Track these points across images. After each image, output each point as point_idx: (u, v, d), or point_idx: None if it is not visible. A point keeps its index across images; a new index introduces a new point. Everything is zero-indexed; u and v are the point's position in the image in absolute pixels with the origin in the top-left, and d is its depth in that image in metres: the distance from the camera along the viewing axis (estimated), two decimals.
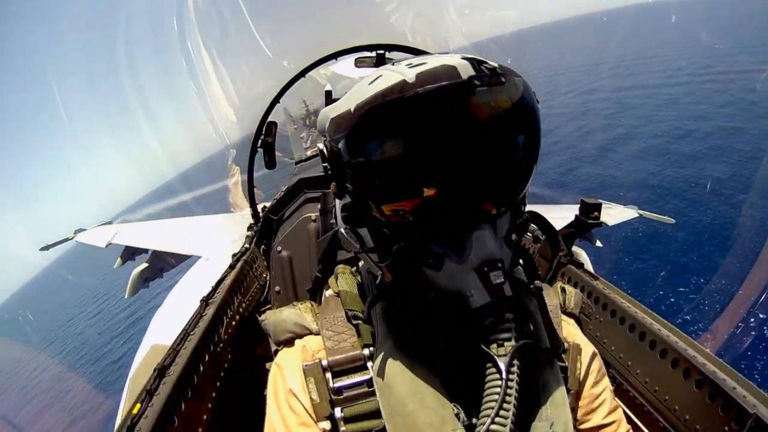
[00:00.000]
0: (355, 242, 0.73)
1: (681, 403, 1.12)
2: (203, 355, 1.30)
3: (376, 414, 0.72)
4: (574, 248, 2.38)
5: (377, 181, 0.64)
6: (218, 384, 1.35)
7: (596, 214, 1.95)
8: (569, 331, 0.90)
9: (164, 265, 5.84)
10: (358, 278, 0.89)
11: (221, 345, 1.46)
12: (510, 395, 0.61)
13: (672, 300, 8.79)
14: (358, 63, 2.20)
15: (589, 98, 27.30)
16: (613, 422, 0.87)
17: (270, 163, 2.33)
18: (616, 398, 0.92)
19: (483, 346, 0.63)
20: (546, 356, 0.78)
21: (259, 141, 2.32)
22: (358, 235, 0.73)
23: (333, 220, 1.90)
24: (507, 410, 0.60)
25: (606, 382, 0.90)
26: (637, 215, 5.48)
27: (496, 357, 0.62)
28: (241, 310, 1.75)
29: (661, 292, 9.04)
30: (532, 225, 0.82)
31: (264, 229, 2.40)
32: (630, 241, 10.27)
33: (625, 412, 1.00)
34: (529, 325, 0.78)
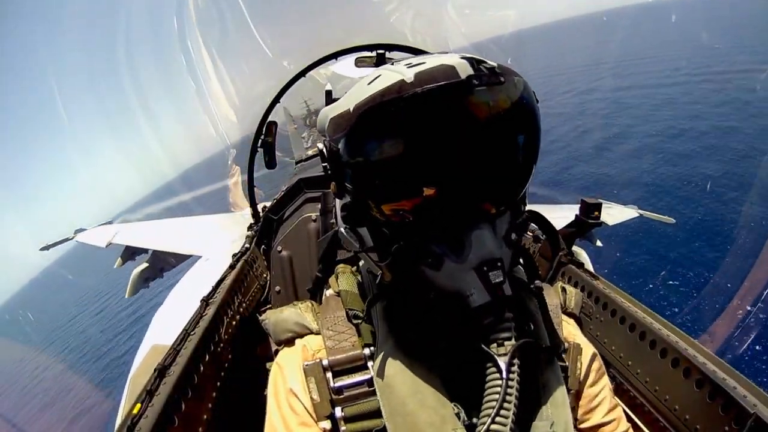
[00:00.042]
0: (354, 242, 0.73)
1: (681, 402, 1.12)
2: (203, 355, 1.30)
3: (376, 413, 0.72)
4: (574, 248, 2.38)
5: (377, 181, 0.64)
6: (218, 384, 1.35)
7: (596, 213, 1.95)
8: (569, 330, 0.90)
9: (164, 265, 5.85)
10: (359, 278, 0.89)
11: (222, 345, 1.46)
12: (510, 395, 0.61)
13: (672, 300, 8.80)
14: (358, 63, 2.20)
15: (588, 98, 27.39)
16: (613, 420, 0.87)
17: (270, 163, 2.33)
18: (615, 397, 0.92)
19: (483, 346, 0.63)
20: (546, 356, 0.78)
21: (260, 141, 2.32)
22: (358, 235, 0.73)
23: (333, 220, 1.90)
24: (507, 410, 0.60)
25: (605, 381, 0.90)
26: (637, 215, 5.49)
27: (496, 356, 0.62)
28: (241, 310, 1.75)
29: (661, 292, 9.05)
30: (532, 225, 0.82)
31: (264, 228, 2.40)
32: (630, 241, 10.28)
33: (625, 412, 1.00)
34: (529, 324, 0.78)
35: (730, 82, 21.29)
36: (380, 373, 0.73)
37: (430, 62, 0.62)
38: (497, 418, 0.60)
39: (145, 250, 5.96)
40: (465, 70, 0.59)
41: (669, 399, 1.16)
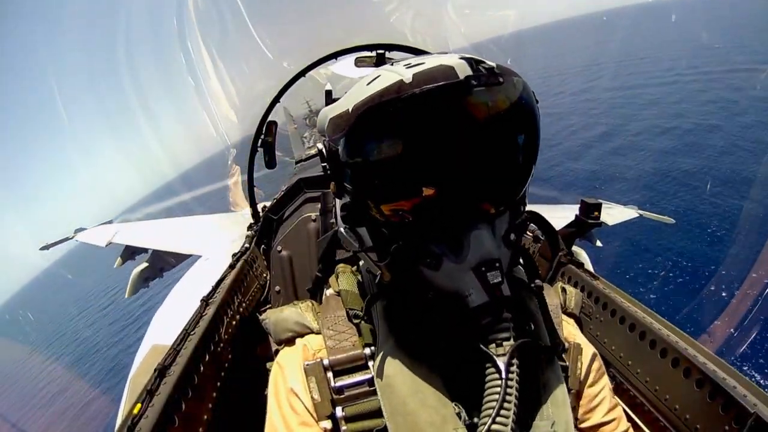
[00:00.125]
0: (354, 241, 0.74)
1: (681, 402, 1.12)
2: (204, 355, 1.30)
3: (377, 413, 0.72)
4: (574, 248, 2.38)
5: (376, 181, 0.64)
6: (219, 384, 1.35)
7: (596, 214, 1.95)
8: (570, 331, 0.90)
9: (164, 265, 5.84)
10: (359, 277, 0.90)
11: (222, 345, 1.46)
12: (510, 395, 0.61)
13: (672, 300, 8.80)
14: (358, 63, 2.20)
15: (587, 98, 27.44)
16: (613, 420, 0.87)
17: (270, 163, 2.33)
18: (615, 397, 0.92)
19: (482, 346, 0.63)
20: (546, 355, 0.78)
21: (260, 140, 2.32)
22: (358, 235, 0.73)
23: (333, 220, 1.90)
24: (508, 410, 0.60)
25: (605, 380, 0.90)
26: (637, 215, 5.49)
27: (495, 356, 0.62)
28: (241, 309, 1.75)
29: (662, 291, 9.06)
30: (532, 225, 0.82)
31: (264, 228, 2.40)
32: (630, 241, 10.28)
33: (625, 412, 1.00)
34: (529, 324, 0.78)
35: (722, 81, 21.42)
36: (381, 372, 0.73)
37: (429, 63, 0.62)
38: (498, 418, 0.60)
39: (145, 250, 5.96)
40: (464, 71, 0.59)
41: (669, 398, 1.16)
